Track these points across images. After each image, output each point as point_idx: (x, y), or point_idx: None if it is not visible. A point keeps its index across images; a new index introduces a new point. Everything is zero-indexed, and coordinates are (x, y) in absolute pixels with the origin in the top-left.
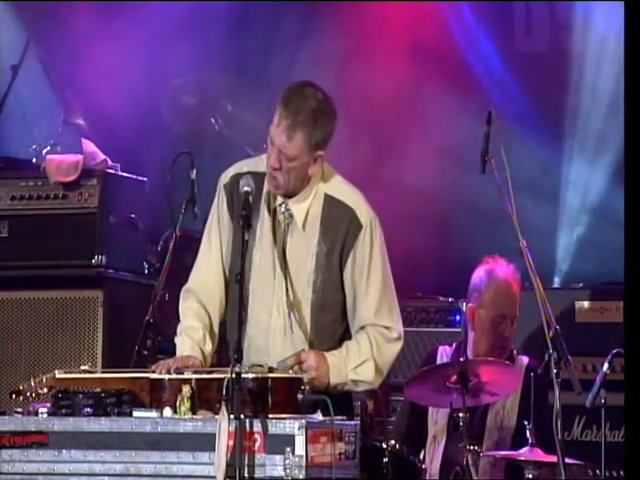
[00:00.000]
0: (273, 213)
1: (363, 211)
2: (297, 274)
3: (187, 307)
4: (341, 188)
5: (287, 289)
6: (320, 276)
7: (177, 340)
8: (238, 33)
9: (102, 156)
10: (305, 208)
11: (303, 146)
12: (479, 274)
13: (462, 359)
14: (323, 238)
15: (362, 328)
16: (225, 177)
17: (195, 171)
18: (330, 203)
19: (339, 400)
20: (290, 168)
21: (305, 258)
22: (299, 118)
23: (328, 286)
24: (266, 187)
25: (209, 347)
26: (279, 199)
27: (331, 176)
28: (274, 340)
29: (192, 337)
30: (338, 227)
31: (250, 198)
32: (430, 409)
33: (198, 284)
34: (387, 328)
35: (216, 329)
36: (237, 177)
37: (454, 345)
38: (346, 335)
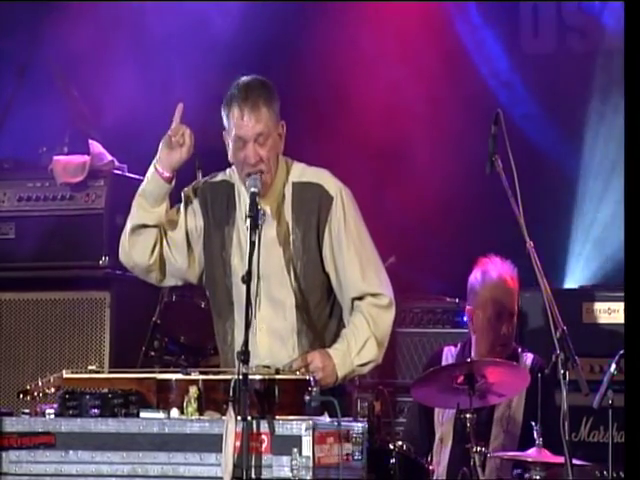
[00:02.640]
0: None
1: (331, 184)
2: (277, 269)
3: None
4: (306, 171)
5: (266, 289)
6: (299, 261)
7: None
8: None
9: (109, 157)
10: (276, 202)
11: (271, 118)
12: (474, 275)
13: (469, 360)
14: (296, 223)
15: (353, 306)
16: (197, 183)
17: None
18: (298, 188)
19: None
20: (268, 149)
21: (283, 250)
22: (255, 96)
23: (309, 269)
24: (237, 196)
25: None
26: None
27: (294, 166)
28: (261, 341)
29: None
30: (310, 206)
31: (257, 199)
32: (436, 411)
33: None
34: (376, 296)
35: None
36: (211, 185)
37: (459, 345)
38: (331, 317)
